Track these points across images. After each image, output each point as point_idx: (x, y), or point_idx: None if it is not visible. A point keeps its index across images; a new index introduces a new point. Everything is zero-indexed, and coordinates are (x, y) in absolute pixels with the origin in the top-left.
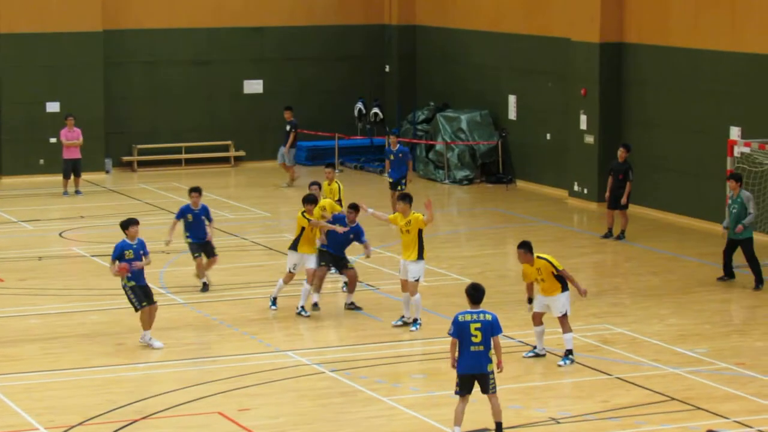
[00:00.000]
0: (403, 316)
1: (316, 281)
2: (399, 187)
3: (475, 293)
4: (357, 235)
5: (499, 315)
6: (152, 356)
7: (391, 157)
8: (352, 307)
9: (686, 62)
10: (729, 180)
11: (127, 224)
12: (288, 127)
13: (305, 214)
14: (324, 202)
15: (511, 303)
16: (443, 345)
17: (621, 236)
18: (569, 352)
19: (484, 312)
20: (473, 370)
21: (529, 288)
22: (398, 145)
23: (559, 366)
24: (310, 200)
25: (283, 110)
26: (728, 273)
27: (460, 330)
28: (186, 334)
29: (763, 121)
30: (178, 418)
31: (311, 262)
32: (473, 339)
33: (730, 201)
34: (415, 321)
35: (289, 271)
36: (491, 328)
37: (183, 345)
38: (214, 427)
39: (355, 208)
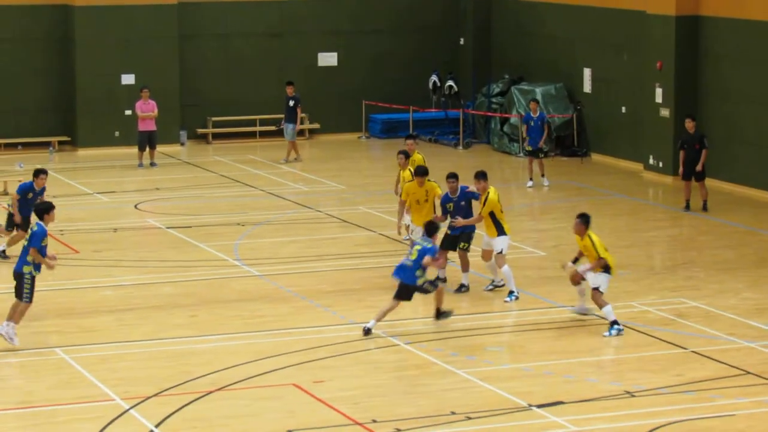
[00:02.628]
0: (493, 281)
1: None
2: (540, 155)
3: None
4: (471, 196)
5: (572, 289)
6: (226, 328)
7: (531, 124)
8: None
9: (763, 35)
10: None
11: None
12: (292, 103)
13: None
14: (404, 173)
15: None
16: (517, 318)
17: (704, 208)
18: (614, 322)
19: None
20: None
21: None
22: (539, 112)
23: (605, 336)
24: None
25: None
26: None
27: None
28: (260, 306)
29: None
30: (252, 390)
31: None
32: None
33: None
34: (510, 292)
35: None
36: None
37: (257, 317)
38: (289, 399)
39: (455, 176)
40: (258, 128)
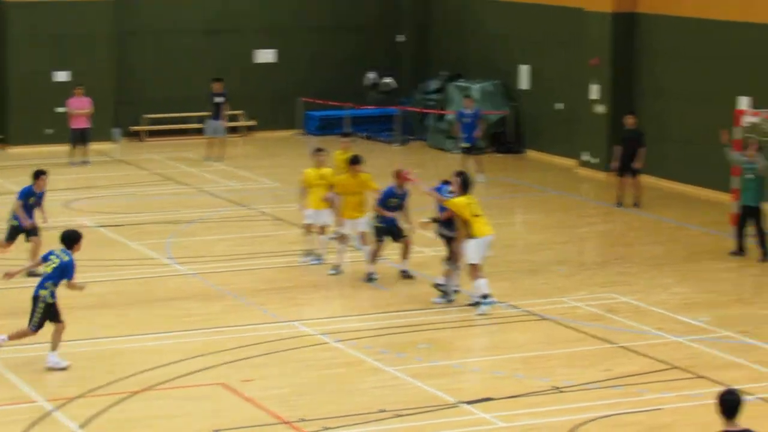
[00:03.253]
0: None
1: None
2: (475, 151)
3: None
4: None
5: (505, 284)
6: (156, 327)
7: (465, 120)
8: (406, 275)
9: (697, 32)
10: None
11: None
12: (221, 99)
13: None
14: (325, 170)
15: (516, 272)
16: (448, 315)
17: (636, 204)
18: (485, 296)
19: None
20: None
21: None
22: (475, 108)
23: (477, 314)
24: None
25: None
26: (740, 249)
27: None
28: (192, 304)
29: None
30: (180, 389)
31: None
32: None
33: (746, 166)
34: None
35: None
36: None
37: (188, 315)
38: (218, 398)
39: (401, 172)
40: (193, 125)
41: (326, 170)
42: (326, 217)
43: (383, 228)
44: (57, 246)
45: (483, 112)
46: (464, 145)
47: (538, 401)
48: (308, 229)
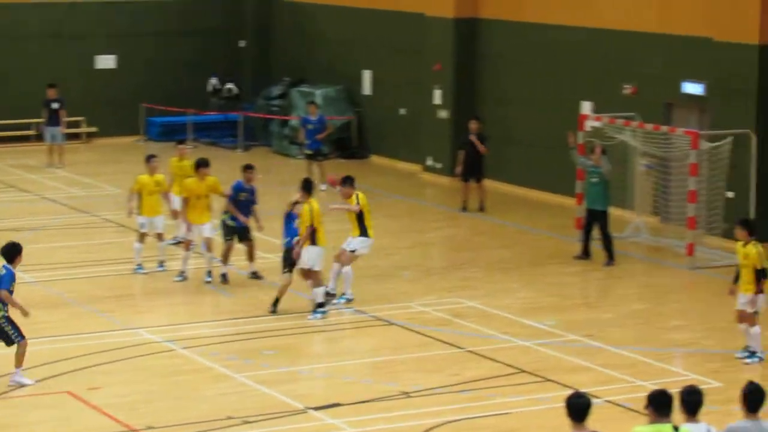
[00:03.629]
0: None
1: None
2: (318, 159)
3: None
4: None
5: (351, 290)
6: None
7: (309, 127)
8: (255, 275)
9: (539, 37)
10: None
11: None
12: (57, 105)
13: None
14: (158, 176)
15: (362, 278)
16: (295, 321)
17: (481, 208)
18: (320, 305)
19: None
20: None
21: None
22: (319, 115)
23: (309, 319)
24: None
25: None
26: (586, 252)
27: None
28: (36, 312)
29: (613, 96)
30: (26, 398)
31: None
32: None
33: (591, 170)
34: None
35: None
36: None
37: (33, 324)
38: (64, 407)
39: (250, 168)
40: (33, 132)
41: (159, 176)
42: (160, 223)
43: (233, 227)
44: None
45: (328, 117)
46: (308, 151)
47: (386, 406)
48: (142, 237)
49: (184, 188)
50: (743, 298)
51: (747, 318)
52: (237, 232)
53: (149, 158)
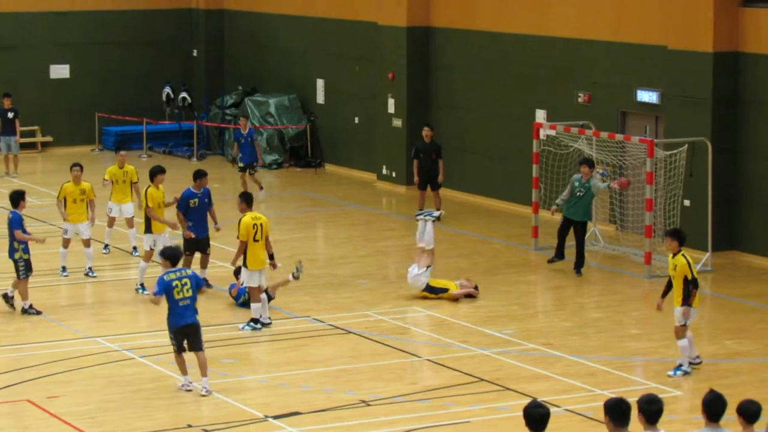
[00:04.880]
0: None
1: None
2: (249, 171)
3: (175, 253)
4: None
5: (308, 299)
6: None
7: (242, 141)
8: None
9: (492, 46)
10: (581, 165)
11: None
12: (11, 114)
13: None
14: (85, 185)
15: (319, 286)
16: (251, 329)
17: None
18: (254, 320)
19: (185, 269)
20: (187, 321)
21: None
22: (249, 128)
23: (241, 329)
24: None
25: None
26: (560, 254)
27: (166, 288)
28: None
29: (568, 104)
30: None
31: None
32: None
33: (576, 183)
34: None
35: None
36: (196, 281)
37: None
38: (23, 415)
39: (201, 175)
40: None
41: (86, 185)
42: (84, 229)
43: (193, 241)
44: None
45: (282, 126)
46: (240, 164)
47: (345, 415)
48: (67, 242)
49: (149, 197)
50: (677, 311)
51: (677, 330)
52: (198, 245)
53: (73, 167)
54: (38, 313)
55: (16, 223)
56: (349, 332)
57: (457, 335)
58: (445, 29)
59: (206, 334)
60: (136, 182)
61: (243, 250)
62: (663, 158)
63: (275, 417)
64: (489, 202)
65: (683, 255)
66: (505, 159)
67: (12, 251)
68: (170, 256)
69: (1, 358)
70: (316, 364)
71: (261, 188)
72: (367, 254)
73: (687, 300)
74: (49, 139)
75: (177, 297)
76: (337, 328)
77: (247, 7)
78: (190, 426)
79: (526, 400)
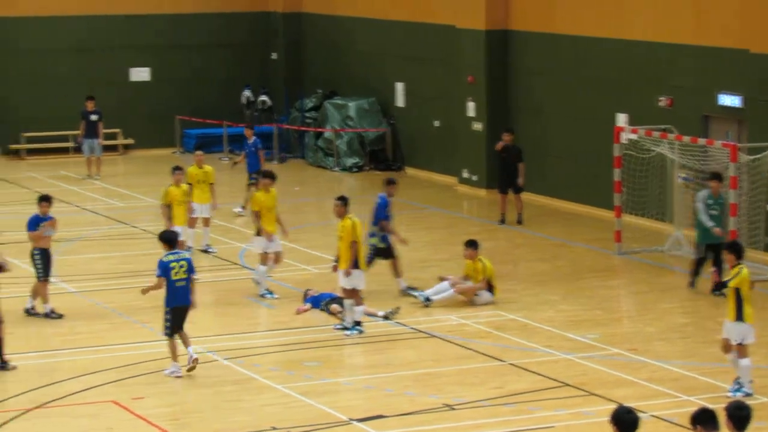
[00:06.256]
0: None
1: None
2: (249, 181)
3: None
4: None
5: (390, 302)
6: (44, 345)
7: (246, 151)
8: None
9: (571, 49)
10: (711, 180)
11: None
12: (95, 117)
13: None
14: (185, 187)
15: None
16: (335, 333)
17: (519, 221)
18: (357, 323)
19: (183, 252)
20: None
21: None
22: (254, 138)
23: (346, 335)
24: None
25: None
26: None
27: (165, 269)
28: (78, 322)
29: (649, 108)
30: (71, 407)
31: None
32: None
33: (710, 201)
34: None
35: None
36: (190, 266)
37: (75, 334)
38: (108, 416)
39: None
40: (71, 144)
41: (185, 187)
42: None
43: (384, 249)
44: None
45: (361, 129)
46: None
47: (429, 419)
48: (182, 245)
49: (254, 201)
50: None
51: (731, 348)
52: (386, 252)
53: (175, 170)
54: (59, 316)
55: (31, 224)
56: (432, 336)
57: (540, 339)
58: (524, 32)
59: (288, 337)
60: (213, 183)
61: (355, 251)
62: (746, 163)
63: (359, 420)
64: (570, 206)
65: (741, 268)
66: (586, 163)
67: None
68: (167, 239)
69: (86, 359)
70: (400, 368)
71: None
72: (448, 258)
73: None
74: (130, 141)
75: (174, 278)
76: (420, 331)
77: (325, 11)
78: (274, 428)
79: (611, 406)
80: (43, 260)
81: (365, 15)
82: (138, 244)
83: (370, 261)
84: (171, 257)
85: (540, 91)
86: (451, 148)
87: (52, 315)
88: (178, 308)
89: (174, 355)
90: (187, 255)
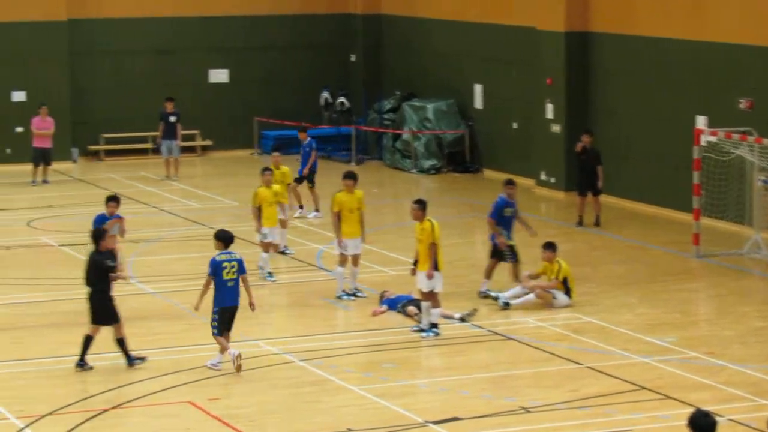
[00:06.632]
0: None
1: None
2: (309, 184)
3: (227, 235)
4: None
5: (467, 304)
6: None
7: (301, 152)
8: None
9: (651, 51)
10: None
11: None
12: (174, 119)
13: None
14: (276, 187)
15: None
16: (412, 334)
17: (597, 223)
18: (434, 325)
19: (234, 253)
20: (232, 302)
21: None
22: (308, 139)
23: (423, 338)
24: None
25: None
26: None
27: (216, 268)
28: (155, 323)
29: (728, 110)
30: (149, 407)
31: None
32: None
33: None
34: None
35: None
36: (240, 267)
37: (153, 334)
38: (185, 417)
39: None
40: (150, 145)
41: (277, 187)
42: (277, 234)
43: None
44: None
45: (440, 132)
46: (296, 176)
47: (505, 421)
48: (266, 247)
49: (335, 202)
50: None
51: None
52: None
53: (264, 171)
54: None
55: (96, 223)
56: (509, 338)
57: (617, 342)
58: (604, 34)
59: (365, 339)
60: (290, 183)
61: (434, 254)
62: None
63: (435, 422)
64: (648, 209)
65: None
66: (664, 165)
67: None
68: (222, 238)
69: (164, 359)
70: (476, 370)
71: (301, 206)
72: (526, 260)
73: None
74: (208, 143)
75: (225, 278)
76: (497, 334)
77: (404, 12)
78: (350, 430)
79: (689, 410)
80: None
81: (444, 17)
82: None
83: (514, 259)
84: (223, 257)
85: (619, 93)
86: (529, 150)
87: None
88: (225, 309)
89: (222, 348)
90: (237, 255)
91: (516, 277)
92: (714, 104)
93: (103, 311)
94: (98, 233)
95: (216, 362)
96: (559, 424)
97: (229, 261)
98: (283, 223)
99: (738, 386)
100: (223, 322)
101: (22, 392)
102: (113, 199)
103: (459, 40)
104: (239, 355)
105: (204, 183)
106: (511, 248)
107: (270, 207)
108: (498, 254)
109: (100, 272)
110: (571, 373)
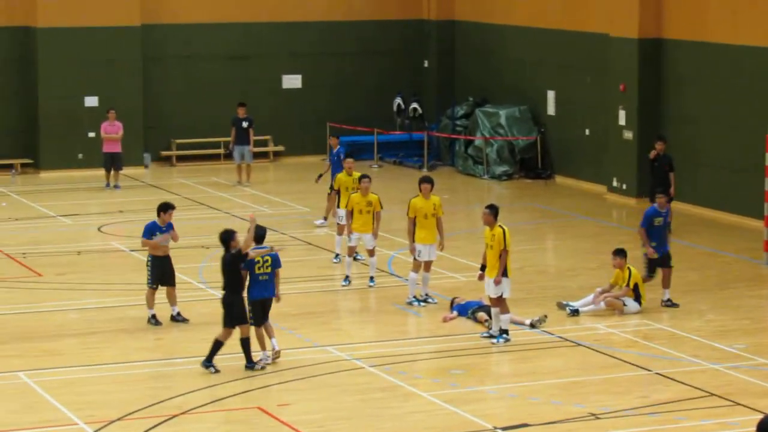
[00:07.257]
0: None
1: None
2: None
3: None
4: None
5: (537, 311)
6: (192, 351)
7: (332, 159)
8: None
9: (725, 58)
10: None
11: (165, 208)
12: (246, 124)
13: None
14: (372, 197)
15: (550, 298)
16: (481, 340)
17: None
18: (505, 331)
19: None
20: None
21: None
22: (339, 146)
23: (493, 343)
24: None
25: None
26: None
27: (249, 263)
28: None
29: None
30: (217, 413)
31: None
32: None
33: None
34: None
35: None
36: (275, 262)
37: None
38: (254, 422)
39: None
40: (222, 150)
41: (373, 197)
42: (369, 239)
43: (655, 260)
44: None
45: (513, 138)
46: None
47: (574, 428)
48: (340, 229)
49: (411, 207)
50: None
51: None
52: (661, 261)
53: (362, 178)
54: (159, 323)
55: (145, 231)
56: (579, 345)
57: (687, 349)
58: (677, 41)
59: (435, 345)
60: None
61: (504, 260)
62: None
63: (504, 428)
64: (720, 215)
65: None
66: (736, 172)
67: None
68: (257, 235)
69: (233, 365)
70: (546, 376)
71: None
72: (596, 267)
73: None
74: (280, 148)
75: (258, 272)
76: (567, 340)
77: (477, 18)
78: None
79: (758, 416)
80: (153, 268)
81: (517, 23)
82: (287, 251)
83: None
84: (257, 251)
85: (692, 100)
86: (601, 156)
87: (151, 321)
88: (258, 300)
89: (262, 344)
90: (273, 251)
91: (667, 284)
92: None
93: (238, 312)
94: (227, 235)
95: (264, 359)
96: (629, 430)
97: (263, 256)
98: (340, 230)
99: None
100: (257, 313)
101: (91, 397)
102: (171, 207)
103: (532, 46)
104: (278, 351)
105: (276, 189)
106: (655, 262)
107: (361, 215)
108: (653, 269)
109: (232, 272)
110: (641, 380)
